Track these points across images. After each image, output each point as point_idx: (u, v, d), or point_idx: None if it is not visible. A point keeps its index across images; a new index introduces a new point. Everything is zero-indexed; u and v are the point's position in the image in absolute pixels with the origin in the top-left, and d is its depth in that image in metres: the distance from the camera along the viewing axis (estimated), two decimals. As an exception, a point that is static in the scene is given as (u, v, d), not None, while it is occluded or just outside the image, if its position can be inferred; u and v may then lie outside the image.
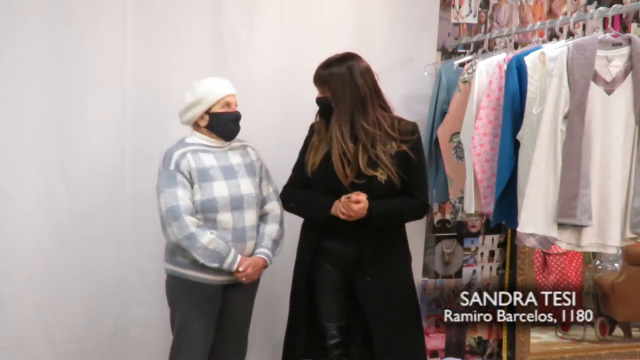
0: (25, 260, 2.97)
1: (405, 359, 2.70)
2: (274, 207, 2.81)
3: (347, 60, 2.63)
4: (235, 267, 2.64)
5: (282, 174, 2.88)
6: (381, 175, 2.60)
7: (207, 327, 2.69)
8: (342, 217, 2.59)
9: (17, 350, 2.97)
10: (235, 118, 2.72)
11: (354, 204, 2.56)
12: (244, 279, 2.67)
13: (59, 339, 3.04)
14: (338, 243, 2.69)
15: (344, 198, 2.59)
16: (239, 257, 2.65)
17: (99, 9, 2.98)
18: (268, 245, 2.74)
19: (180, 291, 2.69)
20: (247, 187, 2.71)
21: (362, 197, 2.57)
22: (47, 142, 2.98)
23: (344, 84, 2.60)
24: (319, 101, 2.70)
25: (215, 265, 2.61)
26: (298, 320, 2.77)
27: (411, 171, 2.65)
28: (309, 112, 3.23)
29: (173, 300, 2.73)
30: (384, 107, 2.67)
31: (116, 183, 3.05)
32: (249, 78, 3.15)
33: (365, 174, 2.60)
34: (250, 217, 2.71)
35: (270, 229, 2.77)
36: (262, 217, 2.79)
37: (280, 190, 2.84)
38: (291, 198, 2.79)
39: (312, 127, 2.79)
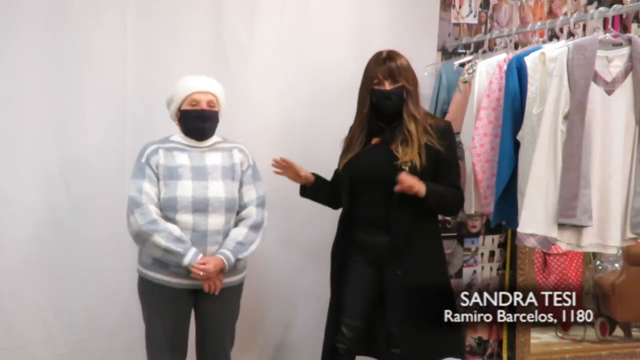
0: (25, 260, 2.97)
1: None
2: (251, 212, 2.68)
3: (399, 54, 2.71)
4: (195, 263, 2.52)
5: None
6: (405, 162, 2.60)
7: (172, 329, 2.65)
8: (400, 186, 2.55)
9: (17, 350, 2.97)
10: (198, 116, 2.62)
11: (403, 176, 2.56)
12: (201, 273, 2.52)
13: (59, 339, 3.04)
14: (370, 234, 2.68)
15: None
16: (200, 254, 2.55)
17: (99, 9, 2.98)
18: (229, 246, 2.60)
19: (144, 291, 2.68)
20: (217, 189, 2.61)
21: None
22: (46, 143, 2.97)
23: (413, 73, 2.70)
24: (395, 92, 2.65)
25: (180, 250, 2.51)
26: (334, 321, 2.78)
27: (446, 164, 2.67)
28: (309, 112, 3.26)
29: (140, 300, 2.72)
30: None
31: (116, 183, 3.04)
32: (249, 78, 3.15)
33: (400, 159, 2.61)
34: (215, 221, 2.60)
35: (236, 232, 2.65)
36: (236, 222, 2.69)
37: (266, 196, 2.76)
38: None
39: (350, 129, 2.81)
